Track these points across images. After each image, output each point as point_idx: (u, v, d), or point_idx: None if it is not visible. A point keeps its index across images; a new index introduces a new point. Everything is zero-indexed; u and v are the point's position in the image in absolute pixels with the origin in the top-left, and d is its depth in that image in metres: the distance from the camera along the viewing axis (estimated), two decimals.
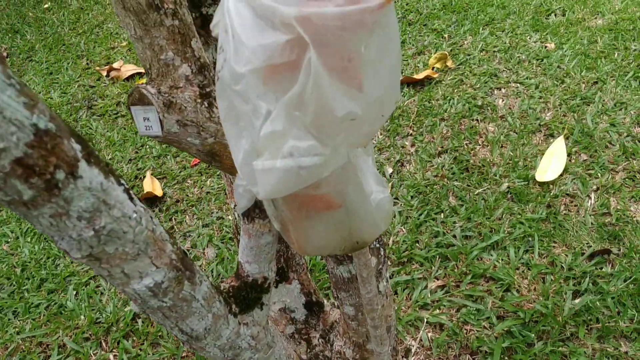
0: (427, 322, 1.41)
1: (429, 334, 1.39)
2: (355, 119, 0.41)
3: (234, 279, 0.75)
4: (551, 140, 1.92)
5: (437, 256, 1.56)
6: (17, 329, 1.57)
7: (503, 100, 2.16)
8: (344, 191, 0.49)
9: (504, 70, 2.35)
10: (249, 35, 0.38)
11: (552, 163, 1.79)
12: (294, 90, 0.38)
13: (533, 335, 1.32)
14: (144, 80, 1.36)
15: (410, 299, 1.47)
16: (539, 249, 1.53)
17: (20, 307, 1.63)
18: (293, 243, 0.54)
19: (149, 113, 0.66)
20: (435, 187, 1.80)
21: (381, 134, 2.11)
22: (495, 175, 1.79)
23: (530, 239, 1.56)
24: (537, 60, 2.39)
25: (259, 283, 0.75)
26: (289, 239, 0.55)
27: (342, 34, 0.37)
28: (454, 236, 1.62)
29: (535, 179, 1.75)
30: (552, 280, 1.44)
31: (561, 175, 1.75)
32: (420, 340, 1.38)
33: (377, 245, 0.90)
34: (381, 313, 0.83)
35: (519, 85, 2.24)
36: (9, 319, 1.61)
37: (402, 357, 1.24)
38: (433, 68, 2.40)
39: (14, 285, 1.72)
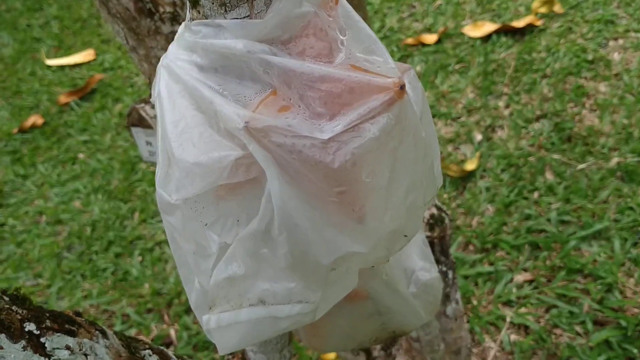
0: (510, 321, 1.24)
1: (512, 337, 1.23)
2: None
3: None
4: None
5: (527, 244, 1.37)
6: (85, 293, 1.57)
7: (619, 54, 1.85)
8: (367, 285, 0.34)
9: (623, 17, 2.01)
10: (183, 141, 0.22)
11: None
12: (252, 227, 0.23)
13: (636, 350, 1.12)
14: None
15: (492, 294, 1.30)
16: None
17: (88, 270, 1.62)
18: (306, 339, 0.40)
19: (152, 137, 0.52)
20: (530, 159, 1.57)
21: (471, 93, 1.88)
22: (604, 148, 1.53)
23: None
24: None
25: None
26: (298, 334, 0.41)
27: (324, 163, 0.21)
28: (549, 220, 1.40)
29: None
30: None
31: None
32: (501, 342, 1.22)
33: (444, 268, 0.74)
34: (443, 354, 0.68)
35: None
36: (78, 281, 1.61)
37: None
38: (537, 14, 2.09)
39: (83, 246, 1.72)
